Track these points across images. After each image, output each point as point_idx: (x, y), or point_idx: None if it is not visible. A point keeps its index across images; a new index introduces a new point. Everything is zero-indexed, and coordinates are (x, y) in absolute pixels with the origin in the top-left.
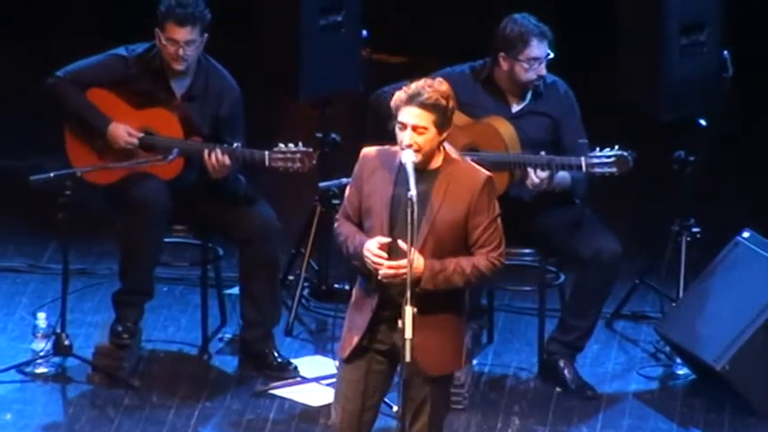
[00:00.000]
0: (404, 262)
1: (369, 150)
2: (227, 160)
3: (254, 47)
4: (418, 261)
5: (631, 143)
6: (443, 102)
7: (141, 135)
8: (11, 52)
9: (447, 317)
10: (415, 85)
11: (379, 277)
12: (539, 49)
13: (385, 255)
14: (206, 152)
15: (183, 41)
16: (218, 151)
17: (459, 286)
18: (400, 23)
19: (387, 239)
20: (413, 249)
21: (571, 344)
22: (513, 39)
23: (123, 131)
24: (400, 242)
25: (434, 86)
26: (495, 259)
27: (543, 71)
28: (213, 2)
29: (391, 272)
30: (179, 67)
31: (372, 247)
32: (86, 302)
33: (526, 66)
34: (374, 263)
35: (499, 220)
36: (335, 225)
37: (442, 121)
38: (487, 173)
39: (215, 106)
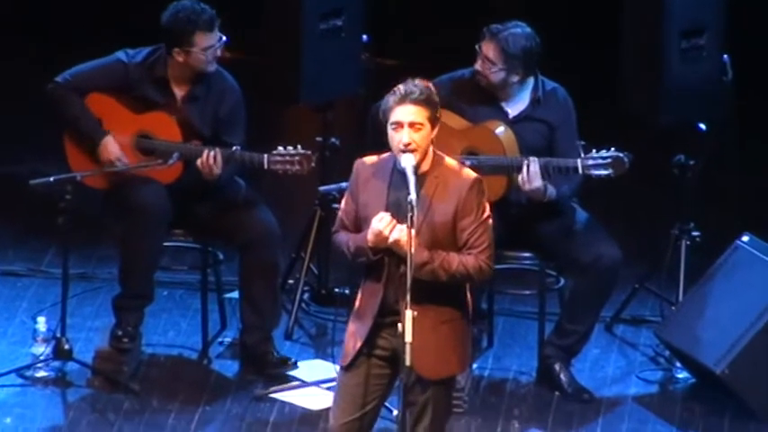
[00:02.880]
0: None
1: (362, 160)
2: (214, 161)
3: (254, 51)
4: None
5: (631, 147)
6: (434, 97)
7: (128, 162)
8: (11, 57)
9: (446, 320)
10: (403, 86)
11: (390, 240)
12: (488, 48)
13: (390, 219)
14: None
15: (216, 43)
16: (210, 153)
17: (442, 280)
18: (401, 28)
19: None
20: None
21: (567, 348)
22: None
23: (114, 150)
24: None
25: (422, 84)
26: (483, 262)
27: (496, 73)
28: (214, 6)
29: (398, 234)
30: (213, 67)
31: (377, 219)
32: (86, 307)
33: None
34: (383, 228)
35: (489, 223)
36: (333, 237)
37: (434, 116)
38: (475, 174)
39: (215, 106)
